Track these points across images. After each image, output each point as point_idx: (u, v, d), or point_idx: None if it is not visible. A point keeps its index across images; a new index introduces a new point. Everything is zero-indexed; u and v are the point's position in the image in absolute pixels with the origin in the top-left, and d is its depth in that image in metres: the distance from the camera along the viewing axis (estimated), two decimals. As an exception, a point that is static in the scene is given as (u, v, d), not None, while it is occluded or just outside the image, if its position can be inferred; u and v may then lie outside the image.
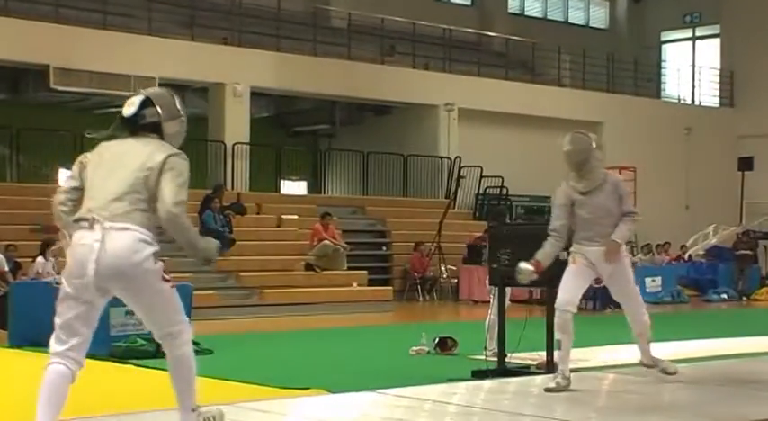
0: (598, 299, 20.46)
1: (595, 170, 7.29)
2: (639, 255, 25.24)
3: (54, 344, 4.68)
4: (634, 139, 27.98)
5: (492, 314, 11.11)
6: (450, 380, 9.04)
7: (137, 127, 4.83)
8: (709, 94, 31.58)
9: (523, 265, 7.18)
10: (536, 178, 26.39)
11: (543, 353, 9.92)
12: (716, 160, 29.29)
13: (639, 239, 27.02)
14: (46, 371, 4.64)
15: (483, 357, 10.99)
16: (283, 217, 21.22)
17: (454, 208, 24.16)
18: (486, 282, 11.14)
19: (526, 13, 31.83)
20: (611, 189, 7.26)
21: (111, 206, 4.63)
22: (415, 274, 21.57)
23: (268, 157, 23.85)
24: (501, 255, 10.16)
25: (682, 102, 31.54)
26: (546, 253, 7.27)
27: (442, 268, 21.71)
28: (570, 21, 33.06)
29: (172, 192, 4.72)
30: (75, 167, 4.94)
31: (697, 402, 6.68)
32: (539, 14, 32.27)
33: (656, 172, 27.99)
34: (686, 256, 26.40)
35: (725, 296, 23.99)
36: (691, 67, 32.17)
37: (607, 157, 31.02)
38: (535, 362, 10.42)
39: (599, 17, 33.83)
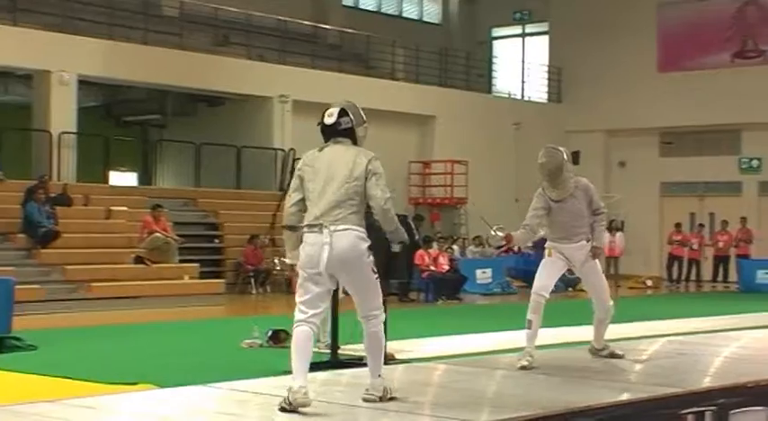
0: (430, 290, 20.74)
1: (567, 181, 8.05)
2: (471, 247, 25.68)
3: (298, 314, 6.07)
4: (466, 133, 28.44)
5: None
6: (284, 372, 8.97)
7: (335, 132, 6.25)
8: (537, 90, 32.37)
9: (495, 232, 7.96)
10: (369, 171, 26.54)
11: (376, 345, 9.95)
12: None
13: (470, 232, 27.54)
14: (294, 331, 6.10)
15: (316, 349, 10.97)
16: (112, 209, 20.70)
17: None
18: (320, 274, 11.10)
19: (360, 6, 31.94)
20: (582, 194, 8.10)
21: (333, 212, 5.97)
22: (249, 267, 21.38)
23: (96, 148, 23.22)
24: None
25: (512, 97, 32.21)
26: (517, 235, 8.12)
27: (276, 260, 21.59)
28: (404, 15, 33.33)
29: (382, 192, 6.15)
30: (296, 181, 6.23)
31: (524, 391, 6.80)
32: (373, 8, 32.43)
33: (488, 165, 28.53)
34: (515, 248, 26.96)
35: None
36: (520, 63, 32.91)
37: (439, 151, 31.62)
38: (368, 354, 10.44)
39: (432, 12, 34.24)
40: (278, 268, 21.41)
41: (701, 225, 28.12)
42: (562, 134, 30.95)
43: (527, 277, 25.42)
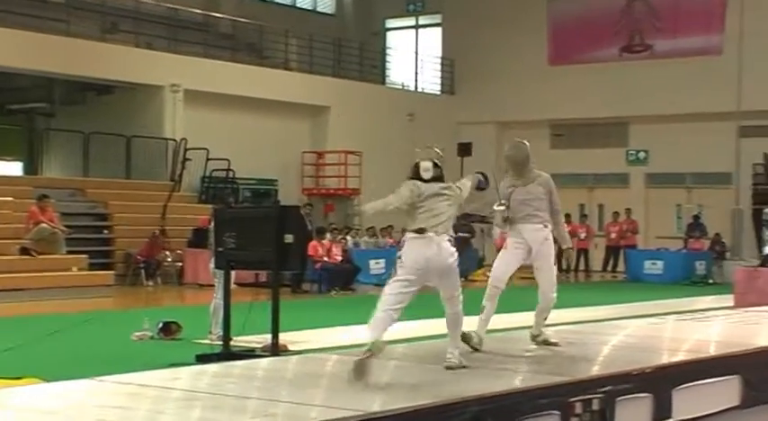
0: (323, 281, 20.71)
1: (532, 171, 8.75)
2: (365, 238, 25.71)
3: (381, 306, 7.02)
4: (360, 124, 28.46)
5: (217, 298, 11.02)
6: (174, 365, 8.86)
7: (432, 179, 7.42)
8: (430, 82, 32.55)
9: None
10: (263, 161, 26.40)
11: (268, 336, 9.91)
12: (437, 145, 30.20)
13: (364, 222, 27.57)
14: (376, 315, 6.98)
15: (208, 341, 10.89)
16: (-4, 199, 20.20)
17: (179, 191, 23.78)
18: (211, 265, 11.02)
19: (253, -5, 31.66)
20: (542, 181, 8.73)
21: (438, 226, 7.20)
22: (139, 258, 21.06)
23: (-21, 137, 22.63)
24: (226, 239, 10.07)
25: (405, 88, 32.34)
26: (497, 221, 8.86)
27: (167, 252, 21.33)
28: (297, 5, 33.19)
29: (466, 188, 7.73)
30: (407, 193, 7.31)
31: (416, 381, 6.82)
32: (266, -3, 32.20)
33: (381, 156, 28.58)
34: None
35: (444, 277, 24.78)
36: (414, 55, 33.04)
37: (333, 142, 31.59)
38: (260, 345, 10.41)
39: (325, 2, 34.15)
40: (169, 259, 21.16)
41: (585, 215, 28.71)
42: (455, 125, 31.25)
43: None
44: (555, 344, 8.68)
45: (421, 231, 7.20)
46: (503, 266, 8.63)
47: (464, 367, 7.21)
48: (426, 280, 7.21)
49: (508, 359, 7.91)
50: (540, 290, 8.75)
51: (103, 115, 24.81)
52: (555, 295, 8.72)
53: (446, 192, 7.43)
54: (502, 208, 8.55)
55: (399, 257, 7.18)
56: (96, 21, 24.36)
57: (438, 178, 7.45)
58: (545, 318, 8.81)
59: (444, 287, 7.34)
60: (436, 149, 7.68)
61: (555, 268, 8.76)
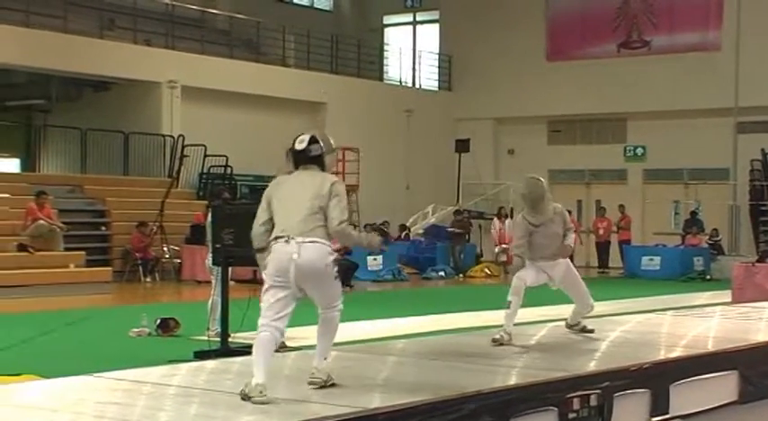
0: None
1: (548, 206, 8.88)
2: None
3: (261, 320, 6.23)
4: (357, 120, 28.45)
5: (215, 294, 11.02)
6: (172, 361, 8.85)
7: (306, 159, 6.35)
8: (428, 78, 32.54)
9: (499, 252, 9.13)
10: (260, 157, 26.35)
11: (266, 332, 9.87)
12: (435, 142, 30.25)
13: (362, 218, 27.57)
14: (258, 336, 6.21)
15: (206, 338, 10.88)
16: (-6, 196, 20.17)
17: (177, 187, 23.78)
18: (208, 261, 11.02)
19: (250, -9, 31.60)
20: (559, 219, 8.93)
21: (300, 226, 6.18)
22: (137, 255, 21.05)
23: (-24, 133, 22.58)
24: (224, 235, 10.06)
25: (403, 84, 32.33)
26: (515, 262, 8.94)
27: (165, 248, 21.32)
28: (295, 1, 33.16)
29: (338, 213, 6.24)
30: (264, 203, 6.40)
31: (415, 377, 6.82)
32: (263, -7, 32.14)
33: (379, 153, 28.60)
34: (403, 235, 27.11)
35: (442, 273, 24.82)
36: (411, 51, 33.04)
37: (331, 138, 30.99)
38: (258, 342, 10.36)
39: (323, -1, 34.15)
40: (167, 256, 21.17)
41: (569, 211, 28.69)
42: (452, 122, 31.25)
43: (418, 263, 25.69)
44: (591, 331, 9.15)
45: (278, 238, 6.25)
46: (530, 276, 8.80)
47: (333, 385, 6.39)
48: (293, 286, 6.22)
49: (504, 355, 7.90)
50: (577, 303, 9.22)
51: (100, 111, 24.80)
52: (592, 302, 9.21)
53: (312, 182, 6.31)
54: (499, 250, 8.65)
55: (266, 265, 6.30)
56: (94, 17, 24.34)
57: (316, 159, 6.36)
58: (582, 317, 9.30)
59: (317, 298, 6.42)
60: (320, 132, 6.67)
61: (582, 283, 9.19)
